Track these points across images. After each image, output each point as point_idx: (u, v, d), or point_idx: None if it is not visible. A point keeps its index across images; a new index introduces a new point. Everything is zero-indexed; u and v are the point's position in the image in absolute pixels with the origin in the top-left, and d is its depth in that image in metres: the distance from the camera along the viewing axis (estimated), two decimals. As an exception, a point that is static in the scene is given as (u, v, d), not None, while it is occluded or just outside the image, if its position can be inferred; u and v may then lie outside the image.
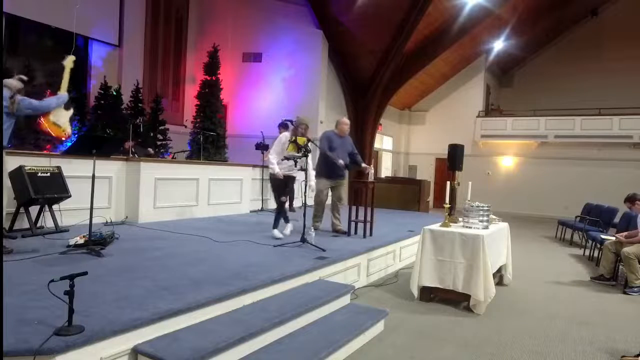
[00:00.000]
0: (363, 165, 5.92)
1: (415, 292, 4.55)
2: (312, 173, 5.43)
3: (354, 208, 5.99)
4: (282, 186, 5.31)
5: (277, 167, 5.13)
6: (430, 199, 13.68)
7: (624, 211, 7.05)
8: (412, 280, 4.57)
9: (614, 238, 5.94)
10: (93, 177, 3.97)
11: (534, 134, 16.06)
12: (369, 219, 5.73)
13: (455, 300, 4.47)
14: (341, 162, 5.66)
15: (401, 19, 11.86)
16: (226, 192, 7.51)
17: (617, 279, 5.77)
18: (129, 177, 6.07)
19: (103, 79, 10.05)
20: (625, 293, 5.25)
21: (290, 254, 4.43)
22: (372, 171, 5.90)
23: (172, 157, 9.58)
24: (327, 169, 5.74)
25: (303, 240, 4.85)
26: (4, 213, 4.42)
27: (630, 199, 6.18)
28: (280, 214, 5.37)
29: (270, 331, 2.91)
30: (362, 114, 13.72)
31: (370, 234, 5.76)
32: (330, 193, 5.98)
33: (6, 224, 4.60)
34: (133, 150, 7.33)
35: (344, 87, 13.76)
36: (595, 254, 7.17)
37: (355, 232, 5.87)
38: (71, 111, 4.29)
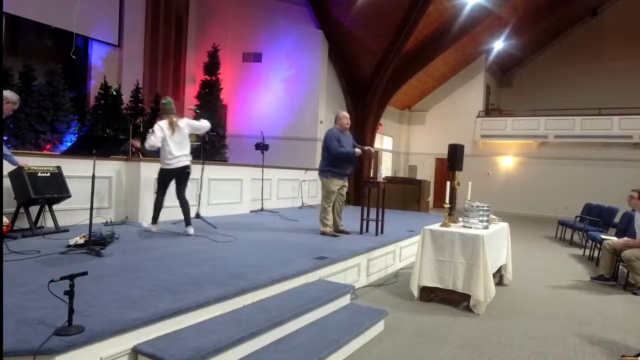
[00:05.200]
0: (365, 148, 5.87)
1: (415, 292, 4.55)
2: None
3: (358, 207, 6.06)
4: (168, 180, 5.16)
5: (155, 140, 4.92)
6: (430, 199, 13.67)
7: (624, 211, 7.05)
8: (412, 280, 4.57)
9: (614, 238, 5.92)
10: (93, 177, 3.98)
11: (534, 134, 16.05)
12: (378, 217, 5.90)
13: (455, 300, 4.47)
14: (358, 150, 5.69)
15: (401, 19, 11.86)
16: (226, 192, 7.51)
17: (616, 279, 5.76)
18: (129, 177, 6.07)
19: (103, 79, 10.05)
20: (635, 294, 5.23)
21: (291, 254, 4.43)
22: (382, 172, 6.14)
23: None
24: (339, 169, 5.73)
25: (197, 216, 5.20)
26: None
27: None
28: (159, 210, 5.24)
29: (270, 331, 2.90)
30: (362, 114, 13.71)
31: (382, 232, 5.95)
32: None
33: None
34: (133, 150, 7.28)
35: (344, 87, 13.74)
36: (595, 254, 7.16)
37: (367, 230, 6.04)
38: None
